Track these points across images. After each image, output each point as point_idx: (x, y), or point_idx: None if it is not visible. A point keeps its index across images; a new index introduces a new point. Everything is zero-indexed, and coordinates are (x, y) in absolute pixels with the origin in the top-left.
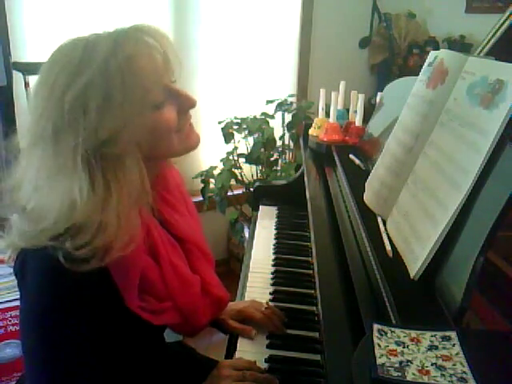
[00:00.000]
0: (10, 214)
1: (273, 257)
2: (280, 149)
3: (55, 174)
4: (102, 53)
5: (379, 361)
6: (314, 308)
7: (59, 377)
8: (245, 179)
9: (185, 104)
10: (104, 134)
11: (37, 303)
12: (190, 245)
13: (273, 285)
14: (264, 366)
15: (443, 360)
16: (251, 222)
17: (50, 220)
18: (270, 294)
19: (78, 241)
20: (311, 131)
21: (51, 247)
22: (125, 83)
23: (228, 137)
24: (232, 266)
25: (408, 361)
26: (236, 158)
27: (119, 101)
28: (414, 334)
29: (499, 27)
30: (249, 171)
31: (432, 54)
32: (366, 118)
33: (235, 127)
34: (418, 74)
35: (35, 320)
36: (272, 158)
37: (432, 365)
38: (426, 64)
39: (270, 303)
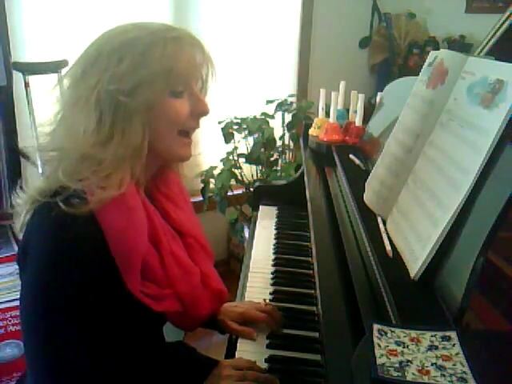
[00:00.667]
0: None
1: (273, 257)
2: (280, 149)
3: (70, 108)
4: (155, 27)
5: (379, 361)
6: (314, 308)
7: (59, 361)
8: (245, 179)
9: (199, 107)
10: (126, 83)
11: (38, 277)
12: (189, 239)
13: (273, 285)
14: (264, 365)
15: (443, 360)
16: (251, 222)
17: (59, 154)
18: (270, 294)
19: (76, 175)
20: (311, 131)
21: (54, 199)
22: (164, 52)
23: (228, 137)
24: (232, 266)
25: (408, 361)
26: (236, 157)
27: (152, 63)
28: (414, 333)
29: (499, 27)
30: (249, 171)
31: (432, 54)
32: (366, 118)
33: (235, 127)
34: (417, 74)
35: (36, 295)
36: (272, 158)
37: (432, 365)
38: (426, 64)
39: (270, 303)
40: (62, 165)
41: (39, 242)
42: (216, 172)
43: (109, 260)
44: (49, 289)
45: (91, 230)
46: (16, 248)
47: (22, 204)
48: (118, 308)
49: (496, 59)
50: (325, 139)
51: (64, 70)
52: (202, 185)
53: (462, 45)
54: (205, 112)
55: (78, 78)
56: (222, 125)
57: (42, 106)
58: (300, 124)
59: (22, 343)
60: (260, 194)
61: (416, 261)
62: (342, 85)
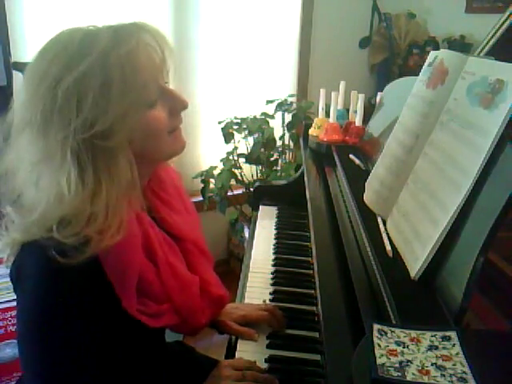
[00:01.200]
0: (3, 204)
1: (273, 257)
2: (280, 149)
3: (43, 164)
4: (103, 43)
5: (379, 361)
6: (314, 308)
7: (57, 379)
8: (245, 179)
9: (177, 105)
10: (99, 126)
11: (33, 304)
12: (188, 244)
13: (273, 285)
14: (264, 366)
15: (443, 360)
16: (251, 221)
17: (39, 211)
18: (270, 294)
19: (68, 231)
20: (311, 131)
21: (44, 240)
22: (124, 76)
23: (228, 137)
24: (232, 265)
25: (408, 361)
26: (236, 157)
27: (117, 93)
28: (414, 333)
29: (499, 27)
30: (249, 171)
31: (432, 54)
32: (366, 118)
33: (235, 127)
34: (417, 74)
35: (32, 322)
36: (272, 158)
37: (432, 365)
38: (426, 64)
39: (271, 303)
40: (49, 223)
41: (32, 271)
42: (216, 172)
43: (104, 280)
44: (44, 307)
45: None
46: None
47: (1, 249)
48: (114, 325)
49: (496, 59)
50: (325, 139)
51: None
52: (202, 185)
53: (462, 45)
54: (183, 107)
55: (40, 131)
56: (222, 125)
57: None
58: (300, 124)
59: (20, 361)
60: (260, 194)
61: (416, 261)
62: (342, 85)
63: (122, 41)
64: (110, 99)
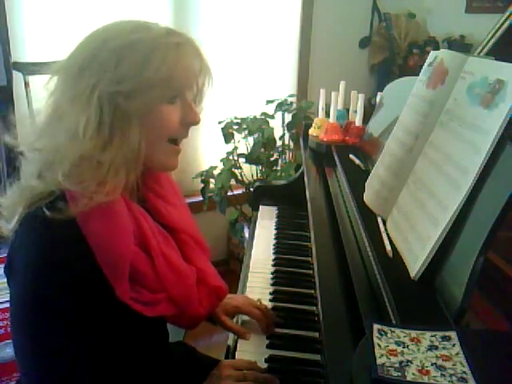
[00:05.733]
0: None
1: (273, 257)
2: (280, 149)
3: (68, 104)
4: (158, 30)
5: (379, 361)
6: (314, 308)
7: (52, 369)
8: (245, 179)
9: (190, 116)
10: (126, 86)
11: (25, 296)
12: (183, 235)
13: (273, 285)
14: (264, 366)
15: (443, 360)
16: (251, 221)
17: (56, 150)
18: (270, 294)
19: (76, 178)
20: (311, 131)
21: (42, 212)
22: (164, 61)
23: (228, 137)
24: (232, 266)
25: (408, 361)
26: (236, 158)
27: (152, 70)
28: (414, 333)
29: (499, 27)
30: (249, 171)
31: (432, 54)
32: (366, 118)
33: (235, 127)
34: (417, 74)
35: (24, 313)
36: (272, 158)
37: (432, 365)
38: (426, 64)
39: (271, 303)
40: (60, 166)
41: (24, 262)
42: (216, 172)
43: (96, 270)
44: (36, 302)
45: (76, 246)
46: None
47: (11, 206)
48: (111, 314)
49: (496, 59)
50: (325, 139)
51: None
52: (202, 185)
53: (462, 45)
54: (195, 122)
55: (76, 74)
56: (222, 125)
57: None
58: (300, 124)
59: (14, 353)
60: (260, 194)
61: (416, 261)
62: (342, 85)
63: (175, 34)
64: (144, 71)
